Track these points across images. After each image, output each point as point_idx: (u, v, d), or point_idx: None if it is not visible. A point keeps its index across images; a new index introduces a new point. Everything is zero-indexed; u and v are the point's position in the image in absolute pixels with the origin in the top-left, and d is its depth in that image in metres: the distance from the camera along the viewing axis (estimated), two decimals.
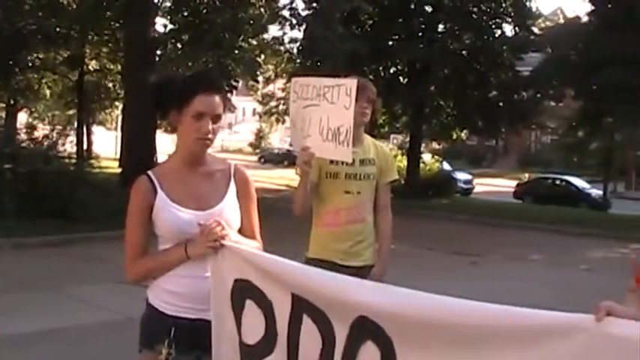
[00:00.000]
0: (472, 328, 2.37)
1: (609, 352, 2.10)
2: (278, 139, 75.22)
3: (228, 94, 28.57)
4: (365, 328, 2.65)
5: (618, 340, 2.09)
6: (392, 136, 39.09)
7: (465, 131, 34.03)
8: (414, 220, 20.11)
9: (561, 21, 36.55)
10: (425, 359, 2.49)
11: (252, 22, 26.38)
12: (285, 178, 33.33)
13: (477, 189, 39.74)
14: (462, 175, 39.33)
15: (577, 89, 25.43)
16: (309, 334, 2.86)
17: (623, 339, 2.08)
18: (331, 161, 4.58)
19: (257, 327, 3.06)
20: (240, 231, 3.38)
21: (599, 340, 2.12)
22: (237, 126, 78.56)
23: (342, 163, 4.51)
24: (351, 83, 4.17)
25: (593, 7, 25.85)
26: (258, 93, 39.92)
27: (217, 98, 3.28)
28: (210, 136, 3.27)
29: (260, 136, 76.97)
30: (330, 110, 4.20)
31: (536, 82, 27.67)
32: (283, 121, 35.78)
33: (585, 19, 27.48)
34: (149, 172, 3.35)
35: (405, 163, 29.93)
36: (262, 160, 61.76)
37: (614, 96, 22.10)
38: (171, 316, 3.27)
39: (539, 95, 28.46)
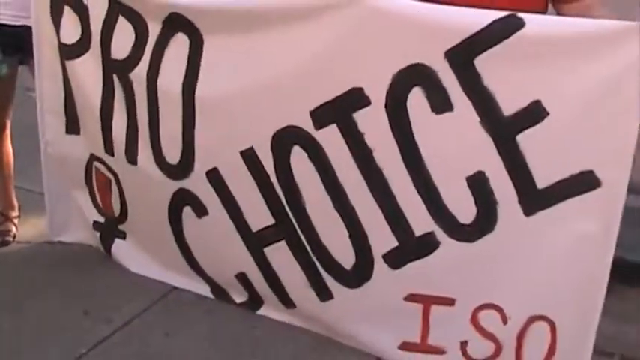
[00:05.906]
0: (263, 14, 2.67)
1: (379, 24, 2.40)
2: None
3: None
4: (176, 22, 2.87)
5: (384, 13, 2.38)
6: None
7: None
8: None
9: None
10: (226, 42, 2.78)
11: None
12: None
13: None
14: None
15: None
16: (123, 32, 3.05)
17: (388, 12, 2.38)
18: None
19: (74, 29, 3.22)
20: None
21: (370, 14, 2.40)
22: None
23: None
24: None
25: None
26: None
27: None
28: None
29: None
30: None
31: None
32: None
33: None
34: None
35: None
36: None
37: None
38: None
39: None
